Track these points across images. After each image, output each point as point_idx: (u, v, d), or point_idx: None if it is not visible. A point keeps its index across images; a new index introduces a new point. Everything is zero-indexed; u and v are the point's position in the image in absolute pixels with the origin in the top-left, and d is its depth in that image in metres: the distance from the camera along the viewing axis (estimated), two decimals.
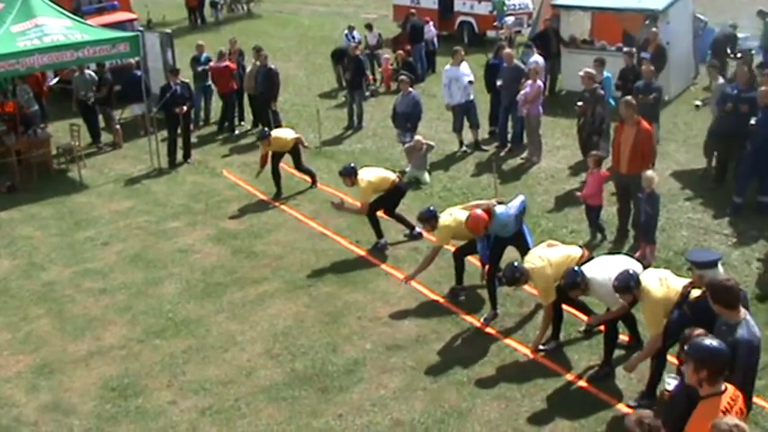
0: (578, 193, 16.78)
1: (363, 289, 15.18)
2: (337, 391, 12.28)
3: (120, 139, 25.00)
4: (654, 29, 23.46)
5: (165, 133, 23.33)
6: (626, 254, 13.87)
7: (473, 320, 13.82)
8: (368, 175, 16.68)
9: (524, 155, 21.11)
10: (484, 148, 22.06)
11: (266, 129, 20.74)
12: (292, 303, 14.85)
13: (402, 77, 21.92)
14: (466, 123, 22.11)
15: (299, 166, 20.29)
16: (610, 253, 14.89)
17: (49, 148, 23.57)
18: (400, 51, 29.63)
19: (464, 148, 22.10)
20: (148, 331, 14.38)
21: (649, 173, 15.15)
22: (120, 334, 14.38)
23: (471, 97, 21.86)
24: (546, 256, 12.52)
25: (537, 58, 22.60)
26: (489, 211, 13.69)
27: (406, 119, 20.89)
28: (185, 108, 22.67)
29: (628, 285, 10.86)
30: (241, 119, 26.03)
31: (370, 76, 28.70)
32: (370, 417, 11.67)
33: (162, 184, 21.57)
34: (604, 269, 11.68)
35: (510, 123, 21.87)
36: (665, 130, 20.42)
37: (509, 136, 21.95)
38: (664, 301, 10.75)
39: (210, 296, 15.37)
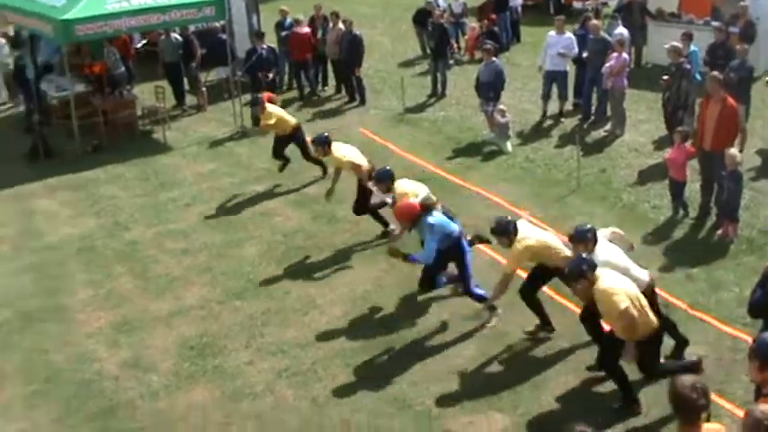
0: (665, 156, 16.58)
1: None
2: (413, 358, 12.30)
3: (204, 101, 25.21)
4: (743, 3, 22.99)
5: (249, 96, 23.48)
6: None
7: (551, 293, 13.68)
8: (344, 150, 16.38)
9: (608, 128, 20.84)
10: (562, 120, 21.86)
11: (259, 95, 19.90)
12: (371, 269, 14.89)
13: (486, 46, 21.76)
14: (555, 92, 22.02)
15: (306, 156, 19.35)
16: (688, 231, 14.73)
17: (135, 110, 23.89)
18: (485, 20, 29.41)
19: (548, 118, 21.93)
20: (228, 292, 14.53)
21: (732, 150, 14.92)
22: (201, 294, 14.56)
23: (563, 68, 21.69)
24: (537, 235, 12.22)
25: (622, 30, 22.31)
26: (424, 207, 13.03)
27: (489, 88, 20.74)
28: (270, 75, 22.84)
29: (580, 269, 10.30)
30: (324, 84, 26.09)
31: (455, 45, 28.52)
32: (445, 385, 11.68)
33: (245, 147, 21.74)
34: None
35: (594, 95, 21.64)
36: (752, 107, 20.03)
37: (593, 108, 21.72)
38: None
39: (290, 259, 15.47)
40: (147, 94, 25.28)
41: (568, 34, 21.81)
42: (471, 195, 17.46)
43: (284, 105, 24.39)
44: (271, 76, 23.22)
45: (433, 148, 20.46)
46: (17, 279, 15.84)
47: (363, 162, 16.09)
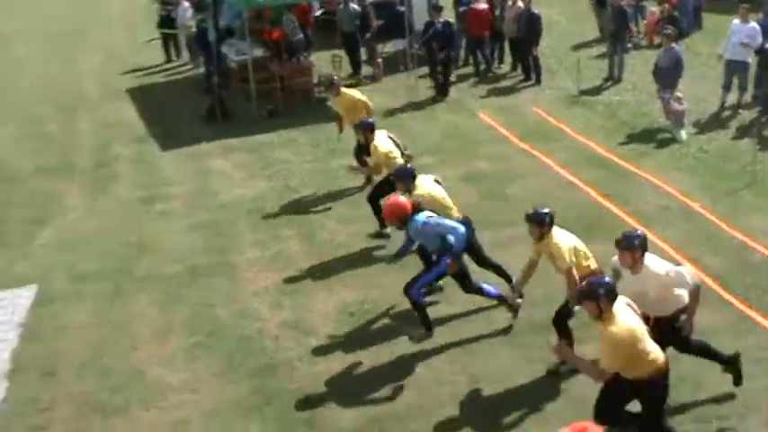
0: None
1: (610, 243, 14.81)
2: (574, 344, 12.13)
3: (380, 72, 25.41)
4: None
5: (423, 70, 23.54)
6: None
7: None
8: (385, 142, 15.62)
9: None
10: (740, 112, 21.18)
11: (337, 77, 19.00)
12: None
13: (666, 31, 21.25)
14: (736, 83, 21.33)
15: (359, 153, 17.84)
16: None
17: (311, 77, 24.29)
18: (666, 4, 28.75)
19: (725, 109, 21.32)
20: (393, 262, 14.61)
21: None
22: (364, 262, 14.69)
23: (745, 58, 20.94)
24: (575, 244, 11.50)
25: None
26: (415, 207, 12.27)
27: (667, 74, 20.27)
28: (441, 55, 22.88)
29: (595, 291, 9.08)
30: (500, 62, 25.99)
31: (634, 28, 28.00)
32: None
33: (417, 120, 21.85)
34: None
35: None
36: None
37: None
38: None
39: None
40: (324, 62, 25.67)
41: (753, 23, 21.08)
42: (642, 182, 17.17)
43: (459, 81, 24.51)
44: (442, 56, 23.20)
45: (606, 132, 20.15)
46: (189, 235, 16.37)
47: (398, 159, 15.27)
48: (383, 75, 25.35)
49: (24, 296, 14.76)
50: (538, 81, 24.18)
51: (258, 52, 24.30)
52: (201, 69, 26.67)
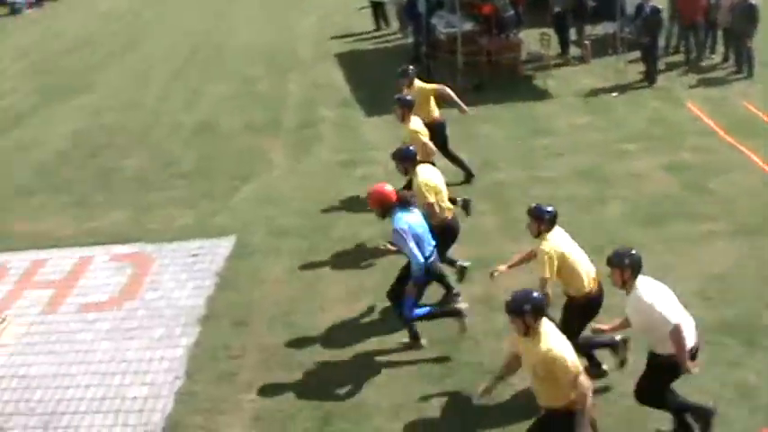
0: None
1: None
2: (764, 347, 11.74)
3: (588, 54, 25.15)
4: None
5: (634, 54, 23.22)
6: None
7: None
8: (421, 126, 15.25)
9: None
10: None
11: (411, 66, 17.79)
12: (735, 248, 14.27)
13: None
14: None
15: (445, 153, 17.10)
16: None
17: (520, 53, 24.26)
18: None
19: None
20: (588, 247, 14.41)
21: None
22: None
23: None
24: (570, 251, 10.91)
25: None
26: (402, 200, 11.77)
27: None
28: (644, 41, 22.44)
29: (520, 308, 8.56)
30: (712, 51, 25.30)
31: None
32: None
33: (623, 105, 21.52)
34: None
35: None
36: None
37: None
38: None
39: (654, 224, 15.16)
40: (533, 40, 25.52)
41: None
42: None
43: (668, 69, 23.98)
44: (645, 41, 22.77)
45: None
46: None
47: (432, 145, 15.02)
48: (592, 57, 25.08)
49: (223, 246, 15.42)
50: (750, 74, 23.39)
51: (467, 26, 24.43)
52: (410, 39, 26.96)
